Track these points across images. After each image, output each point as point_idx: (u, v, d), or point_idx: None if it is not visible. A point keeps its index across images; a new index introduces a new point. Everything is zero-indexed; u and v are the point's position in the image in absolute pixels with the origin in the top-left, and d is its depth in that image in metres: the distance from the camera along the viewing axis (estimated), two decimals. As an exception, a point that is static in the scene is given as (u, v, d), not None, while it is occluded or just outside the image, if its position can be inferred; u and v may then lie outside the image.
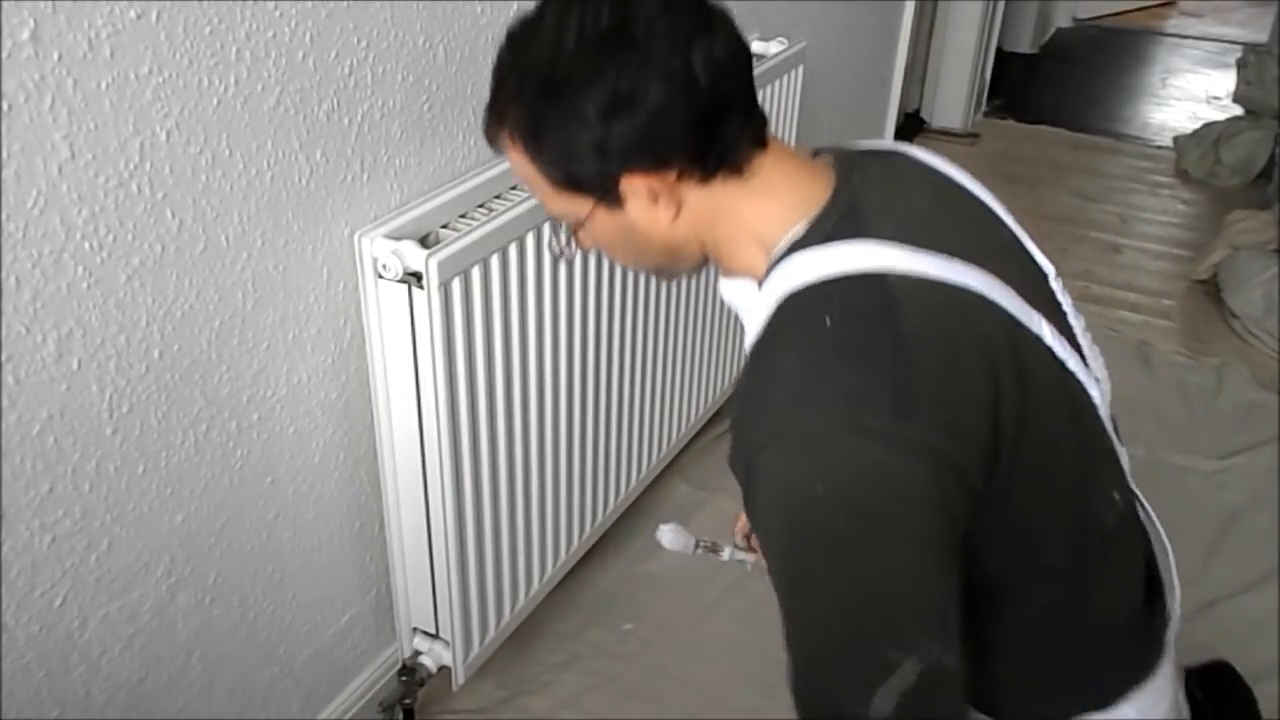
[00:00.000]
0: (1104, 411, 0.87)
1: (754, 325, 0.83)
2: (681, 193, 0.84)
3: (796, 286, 0.81)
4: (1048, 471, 0.83)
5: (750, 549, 1.44)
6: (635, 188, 0.82)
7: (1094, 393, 0.87)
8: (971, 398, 0.79)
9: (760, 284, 0.85)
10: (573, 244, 0.91)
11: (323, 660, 1.34)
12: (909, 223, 0.85)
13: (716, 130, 0.82)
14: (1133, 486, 0.92)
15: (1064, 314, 0.89)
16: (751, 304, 0.86)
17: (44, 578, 0.95)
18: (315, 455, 1.21)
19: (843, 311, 0.79)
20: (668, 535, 1.45)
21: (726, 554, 1.45)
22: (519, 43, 0.82)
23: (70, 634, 0.99)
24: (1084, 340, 0.89)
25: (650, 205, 0.84)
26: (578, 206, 0.85)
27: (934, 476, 0.76)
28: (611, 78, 0.78)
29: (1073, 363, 0.85)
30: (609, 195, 0.84)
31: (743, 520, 1.42)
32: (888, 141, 1.00)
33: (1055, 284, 0.91)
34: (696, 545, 1.46)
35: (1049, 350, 0.84)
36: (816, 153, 0.92)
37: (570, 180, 0.84)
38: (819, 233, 0.82)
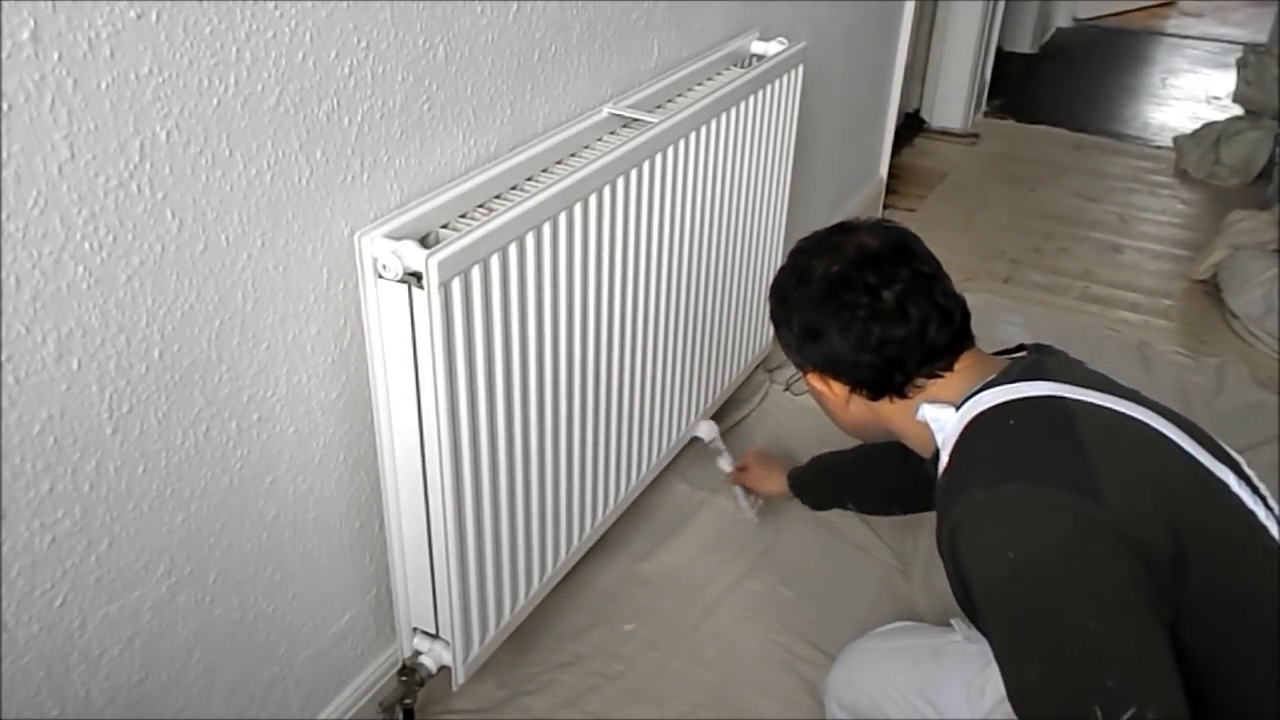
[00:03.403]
0: None
1: (947, 448, 1.02)
2: (852, 397, 1.11)
3: (985, 407, 0.99)
4: (1229, 591, 0.89)
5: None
6: (815, 378, 1.13)
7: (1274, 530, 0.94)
8: (1148, 502, 0.88)
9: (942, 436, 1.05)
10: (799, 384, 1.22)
11: (323, 660, 1.34)
12: (1087, 377, 1.03)
13: (882, 380, 1.07)
14: None
15: (1252, 481, 0.97)
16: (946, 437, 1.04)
17: (44, 578, 0.95)
18: (315, 455, 1.21)
19: (1024, 417, 0.97)
20: (703, 427, 1.82)
21: (722, 462, 1.83)
22: (794, 254, 1.13)
23: (70, 634, 0.99)
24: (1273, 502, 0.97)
25: (830, 391, 1.12)
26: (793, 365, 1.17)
27: (1116, 550, 0.84)
28: (810, 315, 1.08)
29: (1258, 510, 0.94)
30: (804, 372, 1.15)
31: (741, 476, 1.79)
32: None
33: (1248, 468, 0.99)
34: (712, 441, 1.83)
35: (1214, 475, 0.93)
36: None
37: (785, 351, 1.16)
38: (1006, 379, 1.01)
